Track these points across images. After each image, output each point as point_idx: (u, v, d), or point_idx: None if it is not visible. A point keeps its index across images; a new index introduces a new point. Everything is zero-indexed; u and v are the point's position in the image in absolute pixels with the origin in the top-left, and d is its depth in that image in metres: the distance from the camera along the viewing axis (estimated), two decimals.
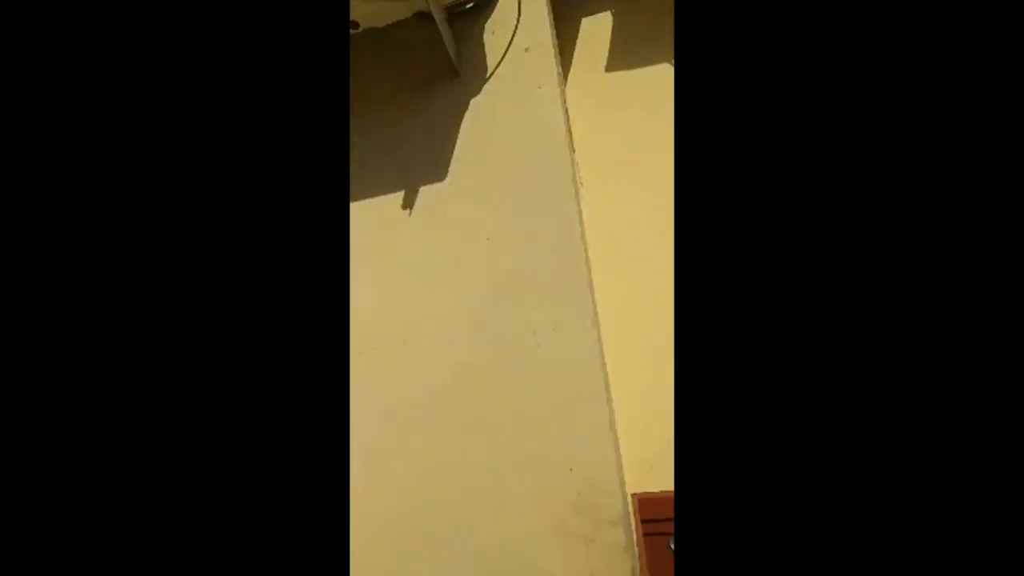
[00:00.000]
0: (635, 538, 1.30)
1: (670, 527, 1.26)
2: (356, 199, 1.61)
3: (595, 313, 1.39)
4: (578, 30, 1.70)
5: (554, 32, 1.54)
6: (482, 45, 1.55)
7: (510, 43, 1.52)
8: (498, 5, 1.58)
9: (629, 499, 1.34)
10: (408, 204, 1.56)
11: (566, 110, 1.53)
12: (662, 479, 1.36)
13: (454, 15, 1.59)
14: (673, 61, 1.53)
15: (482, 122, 1.52)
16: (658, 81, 1.56)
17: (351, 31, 1.50)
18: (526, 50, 1.51)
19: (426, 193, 1.55)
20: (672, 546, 1.26)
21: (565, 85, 1.63)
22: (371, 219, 1.58)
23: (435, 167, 1.55)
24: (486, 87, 1.53)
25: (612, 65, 1.66)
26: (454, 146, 1.54)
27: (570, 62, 1.69)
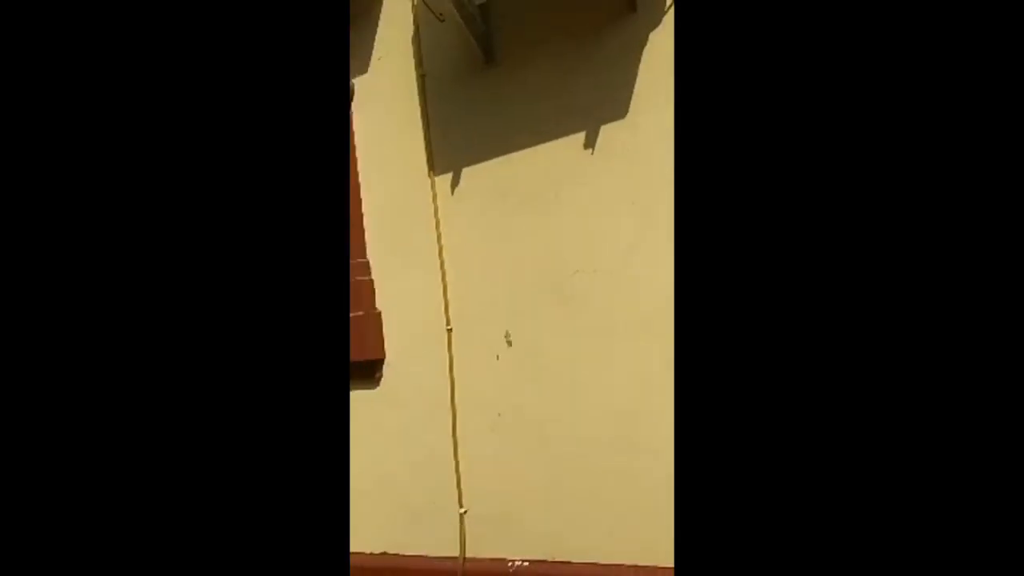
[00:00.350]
0: None
1: None
2: (539, 141, 1.71)
3: None
4: None
5: None
6: None
7: None
8: None
9: None
10: (590, 144, 1.64)
11: None
12: None
13: None
14: None
15: (661, 56, 1.55)
16: None
17: None
18: None
19: (607, 131, 1.62)
20: None
21: None
22: (553, 160, 1.68)
23: (614, 104, 1.60)
24: (665, 19, 1.54)
25: None
26: (633, 82, 1.58)
27: None
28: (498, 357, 1.75)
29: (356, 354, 1.94)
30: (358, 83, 2.07)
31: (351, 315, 1.94)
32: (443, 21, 1.78)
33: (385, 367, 1.95)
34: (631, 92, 1.58)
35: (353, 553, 1.97)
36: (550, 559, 1.62)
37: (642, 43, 1.56)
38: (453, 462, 1.80)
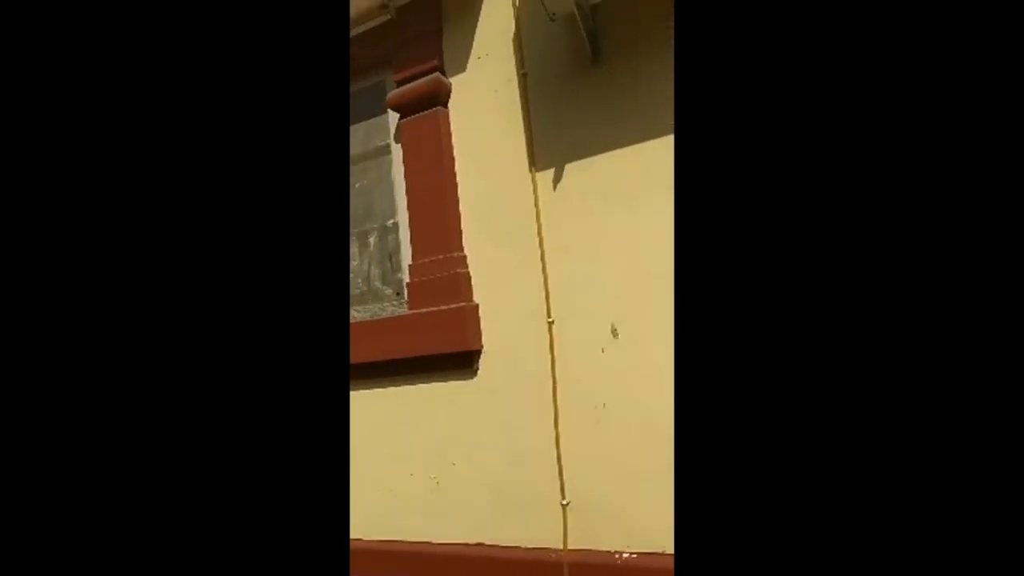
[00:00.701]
0: None
1: None
2: (647, 138, 1.73)
3: None
4: None
5: None
6: None
7: None
8: None
9: None
10: None
11: None
12: None
13: None
14: None
15: None
16: None
17: None
18: None
19: None
20: None
21: None
22: (662, 156, 1.70)
23: None
24: None
25: None
26: None
27: None
28: (603, 350, 1.77)
29: (453, 345, 1.98)
30: (455, 82, 2.13)
31: (450, 306, 1.98)
32: (554, 20, 1.82)
33: (482, 358, 1.98)
34: None
35: (446, 544, 1.99)
36: (661, 551, 1.62)
37: None
38: (554, 453, 1.81)
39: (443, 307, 1.99)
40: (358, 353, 2.14)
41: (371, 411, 2.17)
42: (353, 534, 2.17)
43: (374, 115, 2.38)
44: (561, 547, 1.77)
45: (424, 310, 2.03)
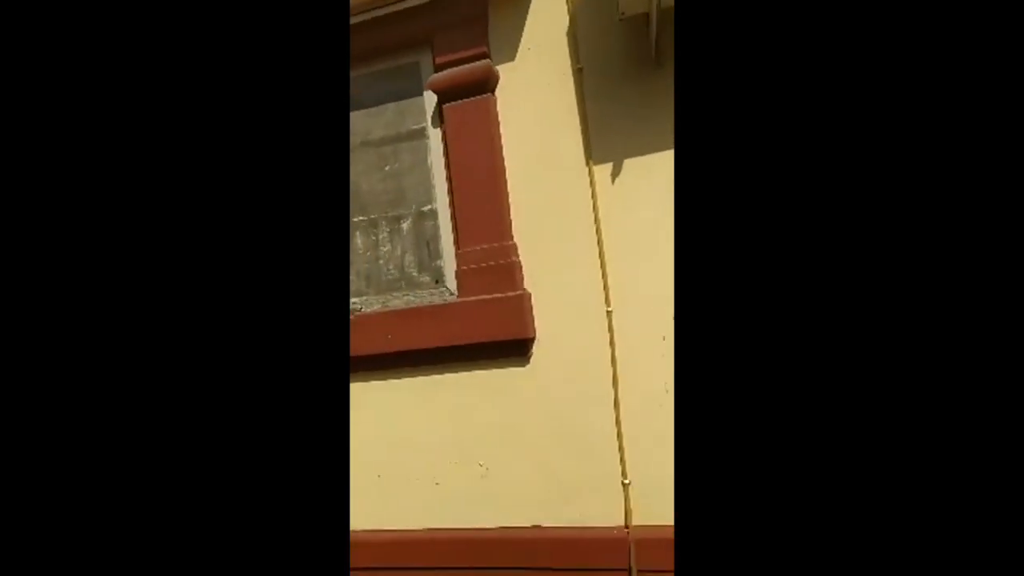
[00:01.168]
0: None
1: None
2: None
3: None
4: None
5: None
6: None
7: None
8: None
9: None
10: None
11: None
12: None
13: None
14: None
15: None
16: None
17: None
18: None
19: None
20: None
21: None
22: None
23: None
24: None
25: None
26: None
27: None
28: (664, 337, 1.87)
29: (507, 333, 1.99)
30: (503, 71, 2.13)
31: (505, 295, 1.99)
32: (622, 20, 1.89)
33: (535, 346, 2.02)
34: None
35: (499, 528, 2.01)
36: None
37: None
38: (614, 436, 1.89)
39: (497, 295, 2.00)
40: (403, 341, 2.09)
41: (416, 400, 2.13)
42: (394, 525, 2.12)
43: (407, 96, 2.31)
44: (623, 525, 1.86)
45: (476, 298, 2.02)
